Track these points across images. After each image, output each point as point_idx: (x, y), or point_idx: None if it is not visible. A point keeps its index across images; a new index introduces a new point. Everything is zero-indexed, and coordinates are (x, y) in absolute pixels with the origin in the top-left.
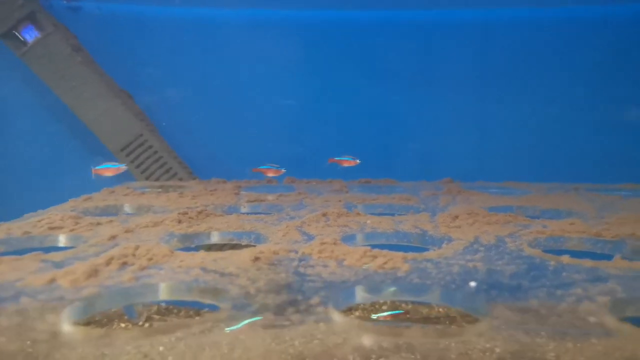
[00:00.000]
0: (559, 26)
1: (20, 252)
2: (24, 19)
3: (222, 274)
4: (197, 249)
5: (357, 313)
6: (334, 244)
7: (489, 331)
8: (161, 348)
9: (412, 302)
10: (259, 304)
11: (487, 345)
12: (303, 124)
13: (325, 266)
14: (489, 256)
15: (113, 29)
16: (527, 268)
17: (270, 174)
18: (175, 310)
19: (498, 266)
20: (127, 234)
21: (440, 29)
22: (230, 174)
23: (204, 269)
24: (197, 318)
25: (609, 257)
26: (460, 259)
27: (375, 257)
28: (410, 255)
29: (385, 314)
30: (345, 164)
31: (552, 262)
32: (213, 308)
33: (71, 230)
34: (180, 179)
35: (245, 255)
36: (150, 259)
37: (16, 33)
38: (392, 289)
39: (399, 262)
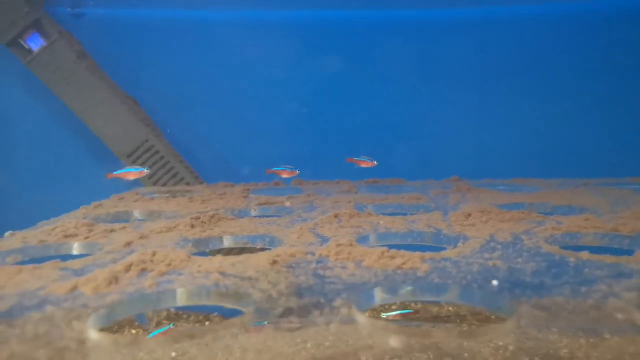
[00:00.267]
0: (565, 22)
1: (37, 260)
2: (29, 27)
3: (242, 278)
4: (208, 253)
5: (366, 313)
6: (350, 245)
7: (518, 330)
8: (194, 351)
9: (436, 303)
10: (283, 307)
11: (517, 344)
12: (306, 125)
13: (343, 268)
14: (507, 254)
15: (116, 34)
16: (548, 265)
17: (285, 175)
18: (184, 316)
19: (518, 264)
20: (142, 240)
21: (442, 26)
22: (235, 176)
23: (223, 273)
24: (222, 322)
25: (628, 252)
26: (478, 257)
27: (393, 257)
28: (428, 254)
29: (395, 312)
30: (363, 165)
31: (572, 259)
32: (223, 313)
33: (86, 238)
34: (187, 184)
35: (262, 258)
36: (169, 265)
37: (21, 41)
38: (409, 288)
39: (417, 262)
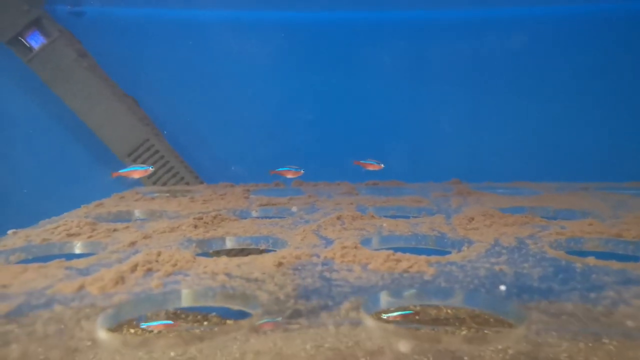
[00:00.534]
0: (567, 23)
1: (41, 259)
2: (30, 25)
3: (248, 280)
4: (209, 254)
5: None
6: (355, 247)
7: (530, 336)
8: (205, 353)
9: (434, 305)
10: (292, 309)
11: (530, 351)
12: (306, 127)
13: (349, 270)
14: (513, 259)
15: (116, 33)
16: (554, 270)
17: (290, 176)
18: (183, 316)
19: (525, 269)
20: (145, 240)
21: (443, 27)
22: (234, 177)
23: (229, 275)
24: (232, 324)
25: (634, 259)
26: (484, 261)
27: (399, 260)
28: (434, 258)
29: (396, 314)
30: (370, 168)
31: (579, 264)
32: (221, 313)
33: (89, 237)
34: (187, 184)
35: (268, 260)
36: (175, 265)
37: (22, 39)
38: (412, 291)
39: (424, 265)
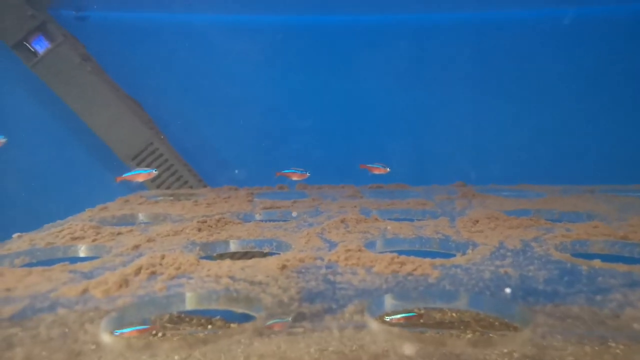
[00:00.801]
0: (570, 25)
1: (46, 262)
2: (35, 29)
3: (252, 283)
4: (213, 257)
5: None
6: (359, 250)
7: (536, 339)
8: (209, 356)
9: (449, 310)
10: (296, 312)
11: (536, 354)
12: (308, 130)
13: (354, 274)
14: (518, 261)
15: (120, 37)
16: (560, 273)
17: (295, 178)
18: (187, 319)
19: (530, 272)
20: (149, 244)
21: (443, 29)
22: (237, 180)
23: (232, 278)
24: (236, 327)
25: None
26: (489, 264)
27: (403, 263)
28: (438, 261)
29: (399, 316)
30: (376, 171)
31: (585, 267)
32: (226, 316)
33: (93, 241)
34: (191, 187)
35: (272, 263)
36: (178, 268)
37: (27, 44)
38: (420, 294)
39: (428, 268)
